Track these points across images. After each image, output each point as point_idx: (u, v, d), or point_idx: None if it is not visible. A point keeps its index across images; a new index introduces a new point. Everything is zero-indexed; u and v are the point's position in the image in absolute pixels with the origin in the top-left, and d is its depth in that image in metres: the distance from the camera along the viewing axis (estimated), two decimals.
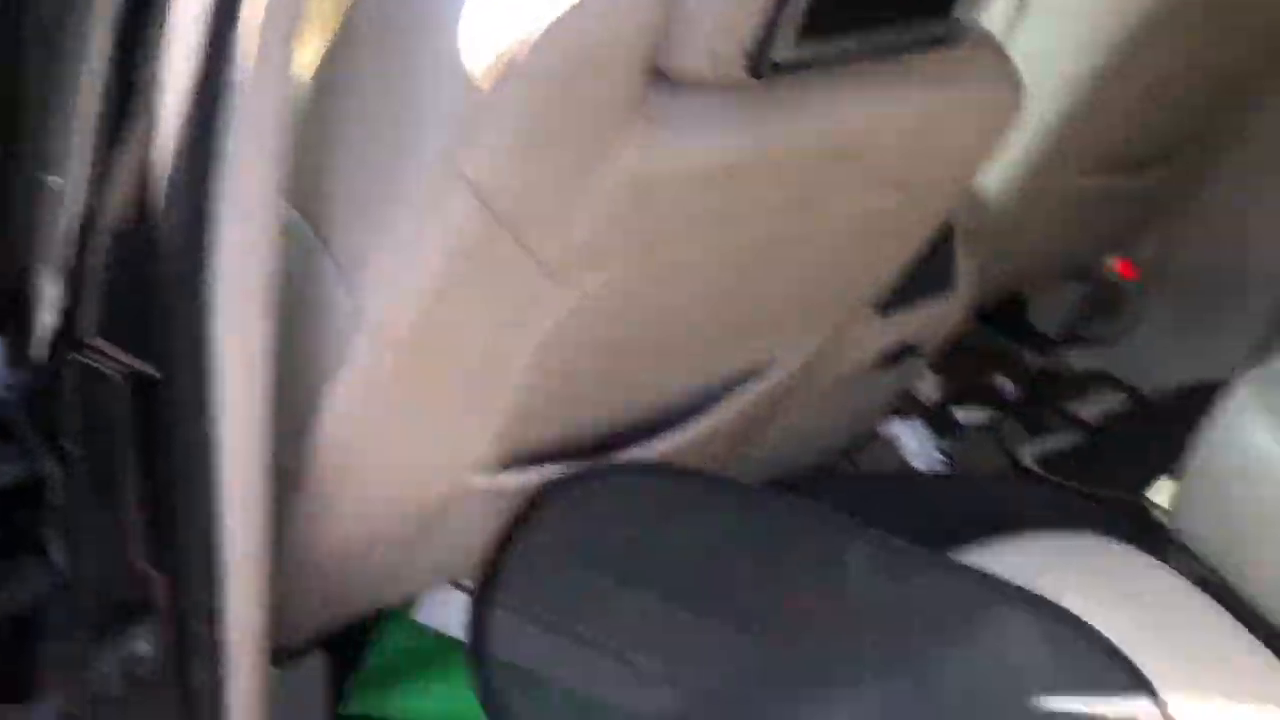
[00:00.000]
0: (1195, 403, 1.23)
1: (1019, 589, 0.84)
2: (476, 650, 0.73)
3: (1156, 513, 1.45)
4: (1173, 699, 0.82)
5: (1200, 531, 1.24)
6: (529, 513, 0.79)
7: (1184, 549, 1.30)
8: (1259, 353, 1.41)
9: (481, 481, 0.77)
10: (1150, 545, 1.37)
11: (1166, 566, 0.96)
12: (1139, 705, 0.79)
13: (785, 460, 1.31)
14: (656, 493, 0.83)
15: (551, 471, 0.80)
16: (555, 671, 0.73)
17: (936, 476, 1.48)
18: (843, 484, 1.39)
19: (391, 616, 1.04)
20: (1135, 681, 0.80)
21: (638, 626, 0.76)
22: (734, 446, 1.01)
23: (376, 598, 0.94)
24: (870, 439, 1.48)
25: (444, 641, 1.03)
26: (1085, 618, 0.84)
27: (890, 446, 1.51)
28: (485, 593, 0.75)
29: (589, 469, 0.83)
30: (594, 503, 0.81)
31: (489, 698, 0.71)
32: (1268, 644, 0.94)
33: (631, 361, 0.82)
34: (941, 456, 1.53)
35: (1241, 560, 1.20)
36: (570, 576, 0.78)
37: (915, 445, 1.51)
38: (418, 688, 1.04)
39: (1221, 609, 0.94)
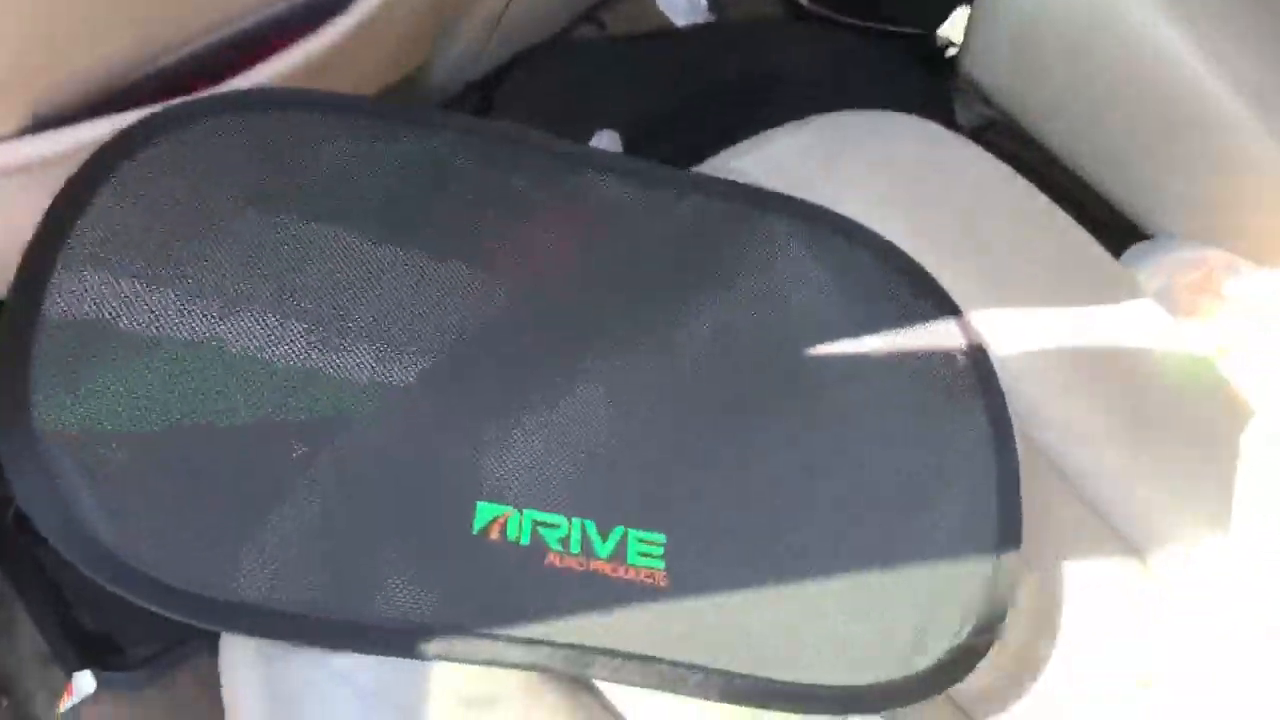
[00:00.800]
0: None
1: (792, 200, 0.65)
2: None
3: (949, 49, 1.28)
4: (978, 313, 0.68)
5: (992, 66, 1.08)
6: (93, 172, 0.52)
7: (975, 90, 1.16)
8: None
9: None
10: (939, 90, 1.23)
11: (967, 141, 0.79)
12: (941, 330, 0.65)
13: (512, 44, 1.05)
14: (293, 128, 0.57)
15: (101, 129, 0.53)
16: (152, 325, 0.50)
17: (701, 29, 1.24)
18: (587, 53, 1.14)
19: None
20: (938, 302, 0.65)
21: (300, 265, 0.54)
22: (408, 48, 0.74)
23: None
24: None
25: None
26: (875, 222, 0.67)
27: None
28: (36, 260, 0.50)
29: (177, 107, 0.55)
30: (196, 149, 0.55)
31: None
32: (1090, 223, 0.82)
33: None
34: (706, 4, 1.28)
35: (1035, 96, 1.07)
36: (175, 219, 0.53)
37: None
38: None
39: (1035, 191, 0.79)
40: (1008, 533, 0.61)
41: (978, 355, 0.65)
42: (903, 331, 0.64)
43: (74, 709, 0.81)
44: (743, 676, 0.52)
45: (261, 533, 0.48)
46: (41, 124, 0.52)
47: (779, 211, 0.66)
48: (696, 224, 0.64)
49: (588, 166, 0.63)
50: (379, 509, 0.51)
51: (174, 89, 0.57)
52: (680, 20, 1.24)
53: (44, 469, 0.47)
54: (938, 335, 0.65)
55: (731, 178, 0.71)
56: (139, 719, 0.82)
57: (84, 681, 0.79)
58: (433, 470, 0.53)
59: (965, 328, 0.66)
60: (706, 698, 0.52)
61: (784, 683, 0.53)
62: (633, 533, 0.54)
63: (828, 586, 0.56)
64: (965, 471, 0.62)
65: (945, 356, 0.65)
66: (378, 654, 0.48)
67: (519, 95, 1.09)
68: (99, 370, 0.49)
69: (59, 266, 0.50)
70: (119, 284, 0.51)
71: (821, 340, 0.63)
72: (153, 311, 0.51)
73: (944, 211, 0.75)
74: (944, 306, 0.66)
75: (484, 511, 0.52)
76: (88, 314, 0.50)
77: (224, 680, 0.50)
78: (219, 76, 0.59)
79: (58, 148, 0.52)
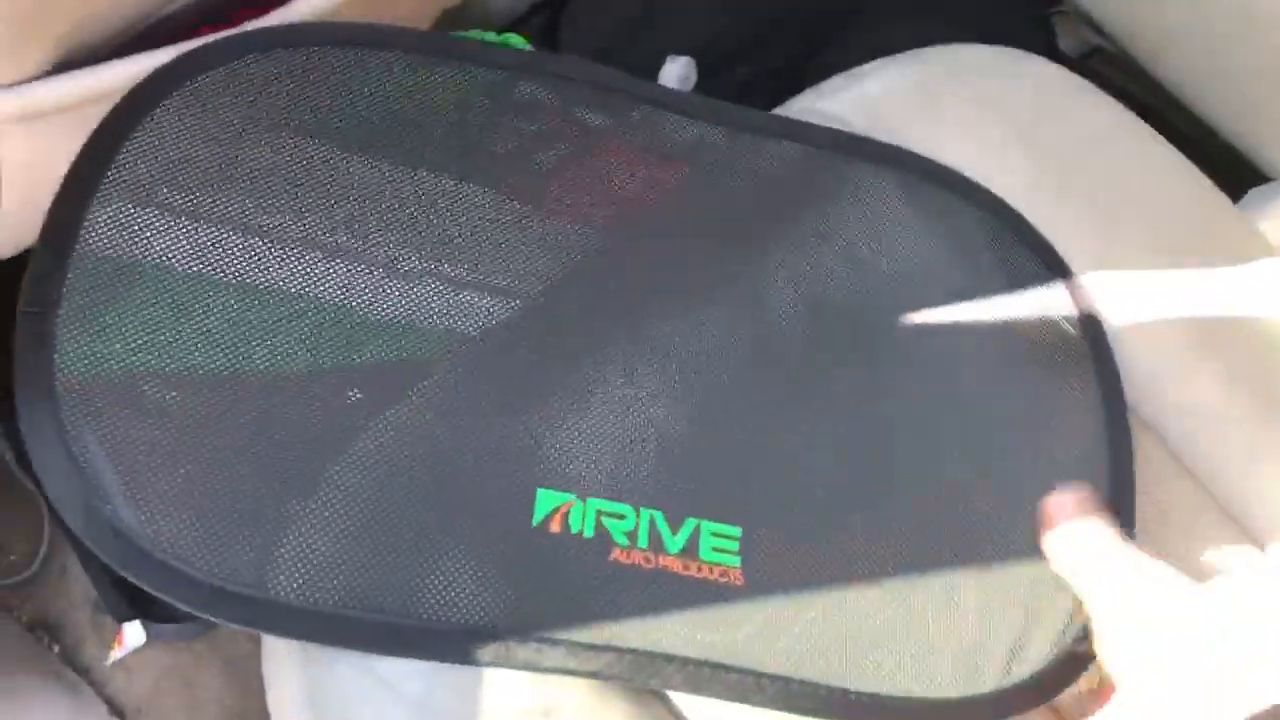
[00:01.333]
0: None
1: (895, 150, 0.59)
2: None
3: None
4: (1092, 274, 0.61)
5: None
6: (132, 108, 0.47)
7: (1081, 14, 1.06)
8: None
9: (11, 102, 0.45)
10: (1039, 12, 1.13)
11: (1086, 83, 0.71)
12: (1052, 296, 0.58)
13: None
14: (342, 63, 0.52)
15: (129, 69, 0.48)
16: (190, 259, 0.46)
17: None
18: None
19: None
20: (1049, 265, 0.59)
21: (356, 202, 0.49)
22: None
23: None
24: None
25: None
26: (983, 173, 0.60)
27: None
28: (71, 197, 0.46)
29: (221, 41, 0.50)
30: (242, 85, 0.49)
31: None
32: (1205, 163, 0.74)
33: None
34: None
35: (1149, 23, 0.98)
36: (221, 156, 0.48)
37: None
38: None
39: (1157, 137, 0.71)
40: (1120, 520, 0.55)
41: (1090, 323, 0.59)
42: (1010, 298, 0.58)
43: (122, 658, 0.79)
44: (827, 688, 0.48)
45: (300, 519, 0.44)
46: (66, 65, 0.47)
47: (880, 162, 0.59)
48: (787, 174, 0.58)
49: (664, 107, 0.57)
50: (430, 493, 0.46)
51: (193, 32, 0.51)
52: None
53: (63, 439, 0.43)
54: (1048, 301, 0.59)
55: (821, 121, 0.65)
56: (187, 669, 0.81)
57: (134, 632, 0.77)
58: (493, 450, 0.48)
59: (1077, 293, 0.60)
60: (788, 710, 0.47)
61: (869, 694, 0.48)
62: (706, 525, 0.49)
63: (918, 587, 0.51)
64: (1074, 455, 0.56)
65: (1055, 325, 0.59)
66: (426, 659, 0.44)
67: (587, 14, 1.02)
68: (133, 315, 0.45)
69: (95, 204, 0.46)
70: (158, 220, 0.46)
71: (921, 307, 0.57)
72: (198, 249, 0.47)
73: (1059, 162, 0.68)
74: (1056, 270, 0.60)
75: (544, 500, 0.47)
76: (123, 252, 0.46)
77: (266, 683, 0.46)
78: (239, 19, 0.53)
79: (84, 88, 0.47)
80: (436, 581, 0.45)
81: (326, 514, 0.44)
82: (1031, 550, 0.52)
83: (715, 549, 0.49)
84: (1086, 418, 0.57)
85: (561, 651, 0.45)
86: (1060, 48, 1.12)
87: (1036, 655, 0.51)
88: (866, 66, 0.67)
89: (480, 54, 0.55)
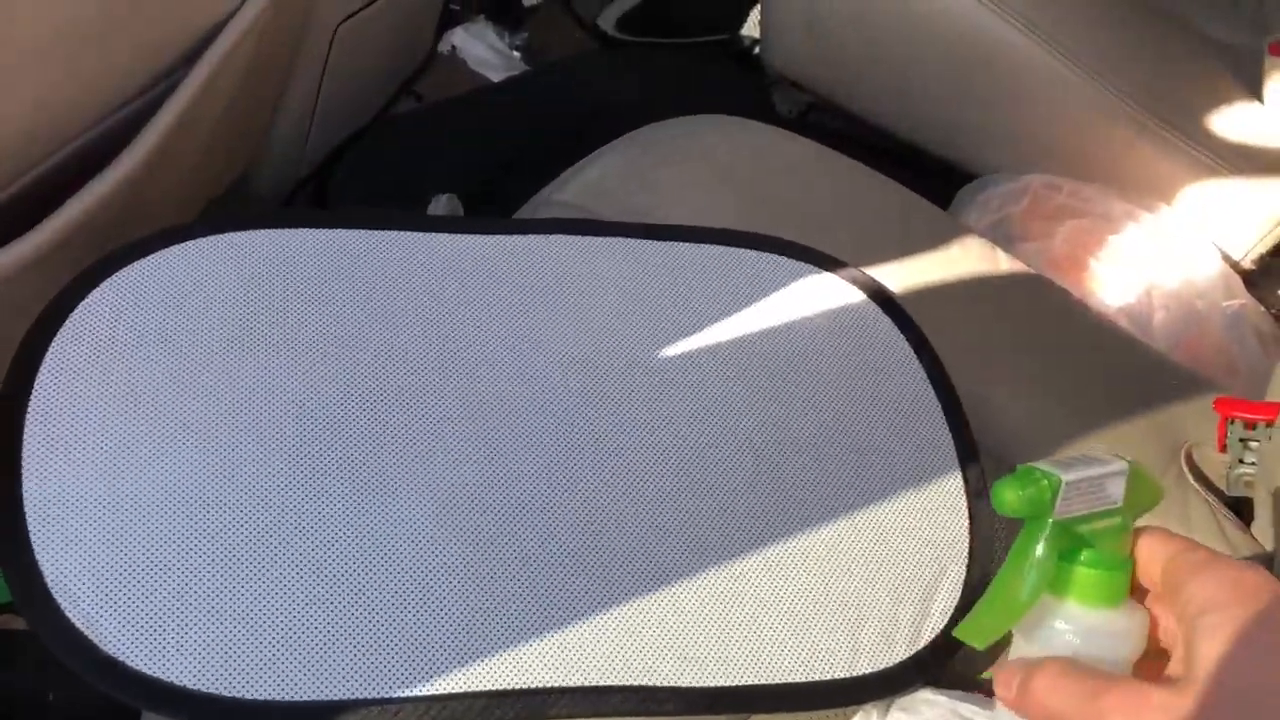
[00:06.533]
0: None
1: (612, 224, 0.68)
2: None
3: (756, 48, 1.33)
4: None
5: (792, 52, 1.13)
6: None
7: (785, 82, 1.21)
8: None
9: None
10: (752, 88, 1.27)
11: (774, 128, 0.82)
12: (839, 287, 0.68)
13: (334, 133, 1.06)
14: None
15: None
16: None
17: (517, 80, 1.27)
18: (409, 127, 1.16)
19: None
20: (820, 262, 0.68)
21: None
22: (220, 163, 0.75)
23: None
24: (429, 60, 1.24)
25: None
26: (706, 221, 0.70)
27: (455, 61, 1.28)
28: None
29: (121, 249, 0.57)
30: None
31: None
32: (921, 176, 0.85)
33: None
34: (516, 53, 1.31)
35: (837, 72, 1.12)
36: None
37: (482, 51, 1.27)
38: None
39: (849, 161, 0.82)
40: (966, 454, 0.64)
41: (879, 295, 0.69)
42: (800, 299, 0.68)
43: None
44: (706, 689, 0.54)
45: (185, 611, 0.49)
46: None
47: (610, 234, 0.68)
48: (530, 260, 0.66)
49: (434, 229, 0.65)
50: (286, 584, 0.51)
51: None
52: (495, 76, 1.27)
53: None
54: (835, 293, 0.68)
55: (557, 211, 0.74)
56: None
57: None
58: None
59: (855, 275, 0.69)
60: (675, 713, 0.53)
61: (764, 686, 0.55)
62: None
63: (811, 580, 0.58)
64: (911, 409, 0.65)
65: (854, 307, 0.68)
66: None
67: (351, 181, 1.10)
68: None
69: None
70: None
71: (706, 335, 0.65)
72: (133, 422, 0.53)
73: (764, 194, 0.78)
74: (827, 265, 0.69)
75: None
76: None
77: None
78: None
79: None
80: (300, 660, 0.49)
81: (207, 600, 0.49)
82: (906, 530, 0.61)
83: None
84: (911, 377, 0.66)
85: (421, 707, 0.50)
86: (779, 111, 1.26)
87: (939, 617, 0.59)
88: (588, 157, 0.77)
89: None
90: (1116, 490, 0.39)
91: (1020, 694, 0.39)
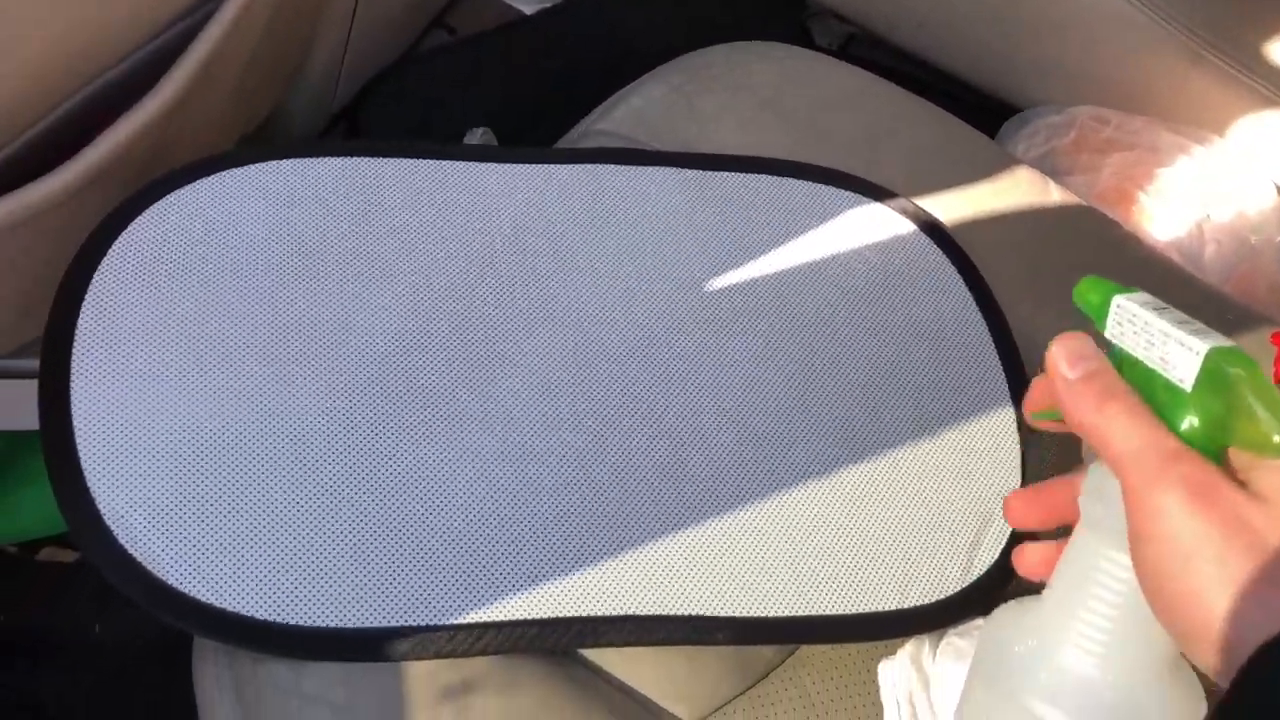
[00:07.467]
0: None
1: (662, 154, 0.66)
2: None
3: None
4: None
5: None
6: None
7: (825, 13, 1.18)
8: None
9: None
10: (792, 21, 1.24)
11: (820, 54, 0.80)
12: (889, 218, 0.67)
13: (367, 67, 1.04)
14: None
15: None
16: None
17: (550, 14, 1.25)
18: (442, 60, 1.14)
19: None
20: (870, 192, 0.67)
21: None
22: (252, 98, 0.74)
23: None
24: None
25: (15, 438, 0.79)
26: (751, 148, 0.68)
27: None
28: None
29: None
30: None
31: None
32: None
33: None
34: None
35: (884, 3, 1.09)
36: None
37: None
38: (5, 503, 0.81)
39: (898, 89, 0.80)
40: (1017, 386, 0.63)
41: (931, 227, 0.68)
42: (855, 233, 0.66)
43: None
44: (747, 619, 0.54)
45: (233, 537, 0.49)
46: None
47: (662, 163, 0.67)
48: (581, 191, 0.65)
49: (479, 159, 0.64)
50: (349, 504, 0.51)
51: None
52: (528, 8, 1.24)
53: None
54: (887, 224, 0.67)
55: (599, 141, 0.72)
56: None
57: None
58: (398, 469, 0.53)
59: (905, 206, 0.68)
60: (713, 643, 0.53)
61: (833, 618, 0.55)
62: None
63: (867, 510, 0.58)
64: (961, 341, 0.64)
65: (906, 240, 0.67)
66: (341, 661, 0.48)
67: (384, 116, 1.09)
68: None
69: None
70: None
71: (770, 268, 0.64)
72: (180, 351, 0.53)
73: (812, 124, 0.76)
74: (877, 196, 0.68)
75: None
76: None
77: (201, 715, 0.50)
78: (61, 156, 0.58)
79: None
80: (349, 587, 0.49)
81: (254, 529, 0.49)
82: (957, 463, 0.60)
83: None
84: (962, 309, 0.65)
85: (472, 635, 0.49)
86: (818, 43, 1.23)
87: (990, 550, 0.58)
88: (631, 85, 0.75)
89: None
90: (1182, 364, 0.34)
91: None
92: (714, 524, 0.55)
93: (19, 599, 0.86)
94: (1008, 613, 0.38)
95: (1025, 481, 0.61)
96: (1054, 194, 0.79)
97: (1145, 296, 0.36)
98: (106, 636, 0.84)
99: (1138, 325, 0.35)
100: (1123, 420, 0.34)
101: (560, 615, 0.51)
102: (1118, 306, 0.36)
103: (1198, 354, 0.33)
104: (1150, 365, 0.35)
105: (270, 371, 0.53)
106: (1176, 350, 0.34)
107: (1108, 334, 0.36)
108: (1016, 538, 0.59)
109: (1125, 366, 0.36)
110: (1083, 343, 0.36)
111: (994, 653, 0.38)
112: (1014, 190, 0.77)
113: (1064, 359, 0.36)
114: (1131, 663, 0.35)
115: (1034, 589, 0.39)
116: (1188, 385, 0.34)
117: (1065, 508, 0.40)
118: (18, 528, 0.83)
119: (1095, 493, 0.36)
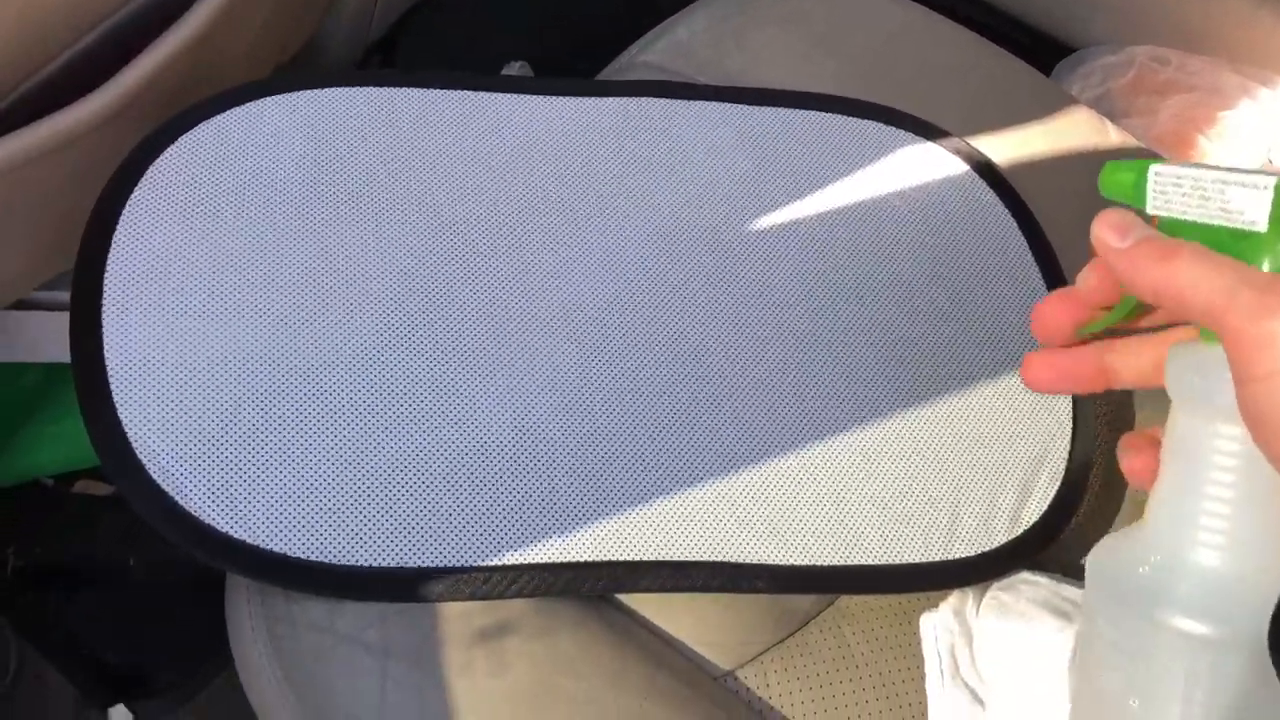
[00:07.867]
0: None
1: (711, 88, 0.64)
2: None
3: None
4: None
5: None
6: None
7: None
8: None
9: None
10: None
11: None
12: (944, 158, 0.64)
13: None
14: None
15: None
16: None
17: None
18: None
19: None
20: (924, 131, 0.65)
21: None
22: (288, 25, 0.72)
23: None
24: None
25: (51, 371, 0.79)
26: (801, 83, 0.66)
27: None
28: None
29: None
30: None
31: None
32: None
33: None
34: None
35: None
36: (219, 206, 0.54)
37: None
38: (40, 436, 0.81)
39: (952, 24, 0.77)
40: None
41: (985, 168, 0.66)
42: (909, 171, 0.65)
43: None
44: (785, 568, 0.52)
45: (267, 474, 0.48)
46: None
47: (712, 98, 0.64)
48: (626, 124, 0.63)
49: (521, 90, 0.62)
50: (373, 447, 0.50)
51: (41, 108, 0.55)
52: None
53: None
54: (940, 163, 0.66)
55: (643, 73, 0.70)
56: None
57: (120, 716, 0.79)
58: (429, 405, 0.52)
59: (960, 146, 0.66)
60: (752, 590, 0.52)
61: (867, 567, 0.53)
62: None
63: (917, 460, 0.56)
64: (1014, 285, 0.63)
65: (958, 179, 0.65)
66: (377, 600, 0.47)
67: (420, 48, 1.06)
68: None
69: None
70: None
71: (827, 203, 0.62)
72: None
73: (865, 61, 0.73)
74: (931, 135, 0.66)
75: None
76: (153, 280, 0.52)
77: (239, 663, 0.49)
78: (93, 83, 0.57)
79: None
80: (385, 526, 0.48)
81: (290, 472, 0.48)
82: (1007, 413, 0.58)
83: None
84: (1014, 252, 0.63)
85: (509, 577, 0.48)
86: None
87: (1039, 502, 0.56)
88: (675, 16, 0.73)
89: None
90: (1250, 205, 0.31)
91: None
92: (758, 471, 0.54)
93: (56, 531, 0.86)
94: (1113, 541, 0.34)
95: (1076, 434, 0.59)
96: (1112, 136, 0.76)
97: (1178, 163, 0.33)
98: (140, 568, 0.85)
99: (1184, 185, 0.32)
100: (1200, 265, 0.30)
101: (597, 559, 0.50)
102: (1156, 174, 0.32)
103: (1265, 189, 0.30)
104: (1209, 221, 0.31)
105: (306, 303, 0.52)
106: (1239, 193, 0.31)
107: (1150, 207, 0.32)
108: (1065, 492, 0.57)
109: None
110: (1125, 214, 0.33)
111: (1114, 586, 0.33)
112: (1071, 132, 0.75)
113: (1112, 232, 0.32)
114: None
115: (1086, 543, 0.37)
116: (1261, 224, 0.30)
117: (1089, 377, 0.36)
118: (53, 460, 0.83)
119: (1188, 366, 0.33)
